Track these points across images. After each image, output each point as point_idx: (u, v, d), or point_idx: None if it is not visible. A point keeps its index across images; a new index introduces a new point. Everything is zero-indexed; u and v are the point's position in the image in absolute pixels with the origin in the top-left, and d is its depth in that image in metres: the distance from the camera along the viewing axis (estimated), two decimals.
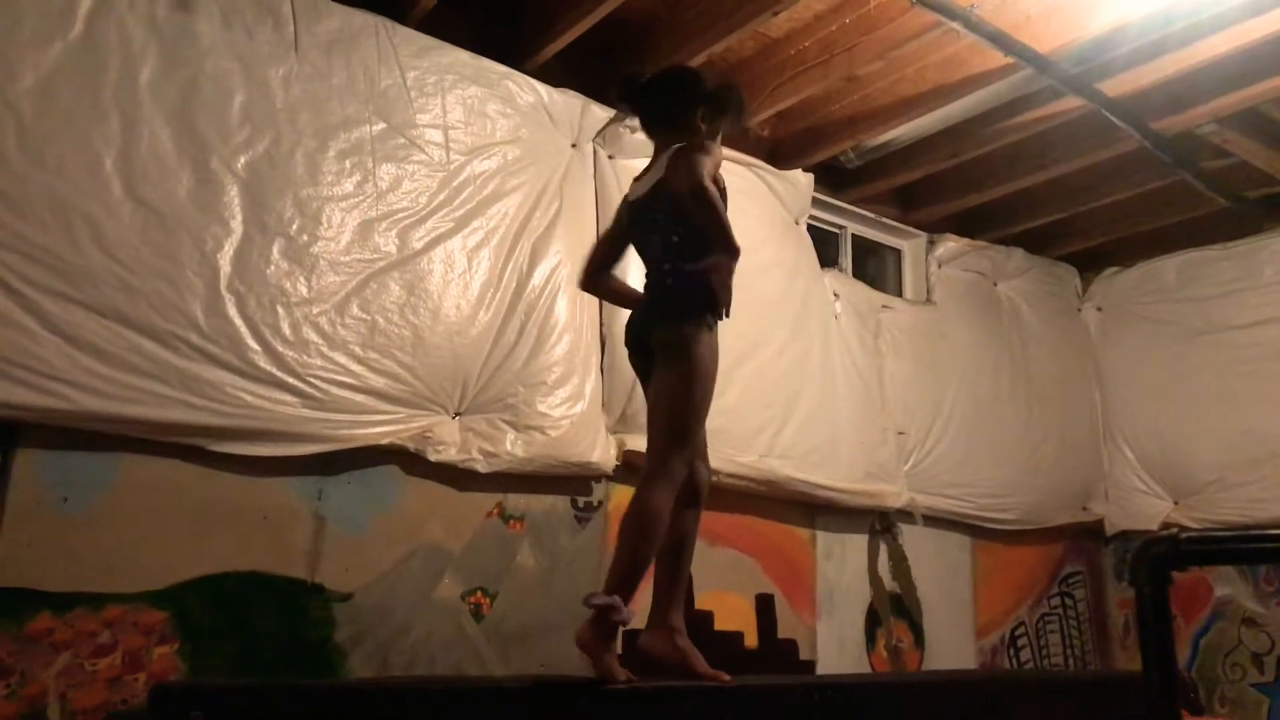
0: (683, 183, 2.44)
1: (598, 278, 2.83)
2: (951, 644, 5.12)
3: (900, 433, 5.02)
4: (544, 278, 3.86)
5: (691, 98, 2.62)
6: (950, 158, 4.88)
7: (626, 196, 2.76)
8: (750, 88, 4.40)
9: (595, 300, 4.05)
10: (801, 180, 4.85)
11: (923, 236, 5.62)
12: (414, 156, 3.65)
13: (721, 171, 4.48)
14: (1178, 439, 5.61)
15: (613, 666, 2.21)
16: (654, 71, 2.76)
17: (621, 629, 2.33)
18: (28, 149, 2.90)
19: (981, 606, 5.33)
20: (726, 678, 2.36)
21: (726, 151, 4.56)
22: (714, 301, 2.46)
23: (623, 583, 2.30)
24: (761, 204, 4.69)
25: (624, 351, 3.93)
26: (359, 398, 3.35)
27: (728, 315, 2.54)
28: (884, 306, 5.22)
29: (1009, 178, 5.11)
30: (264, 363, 3.18)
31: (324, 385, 3.29)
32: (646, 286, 2.66)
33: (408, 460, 3.48)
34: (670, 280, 2.53)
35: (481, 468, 3.56)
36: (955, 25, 3.67)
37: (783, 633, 4.45)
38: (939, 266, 5.55)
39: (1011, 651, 5.42)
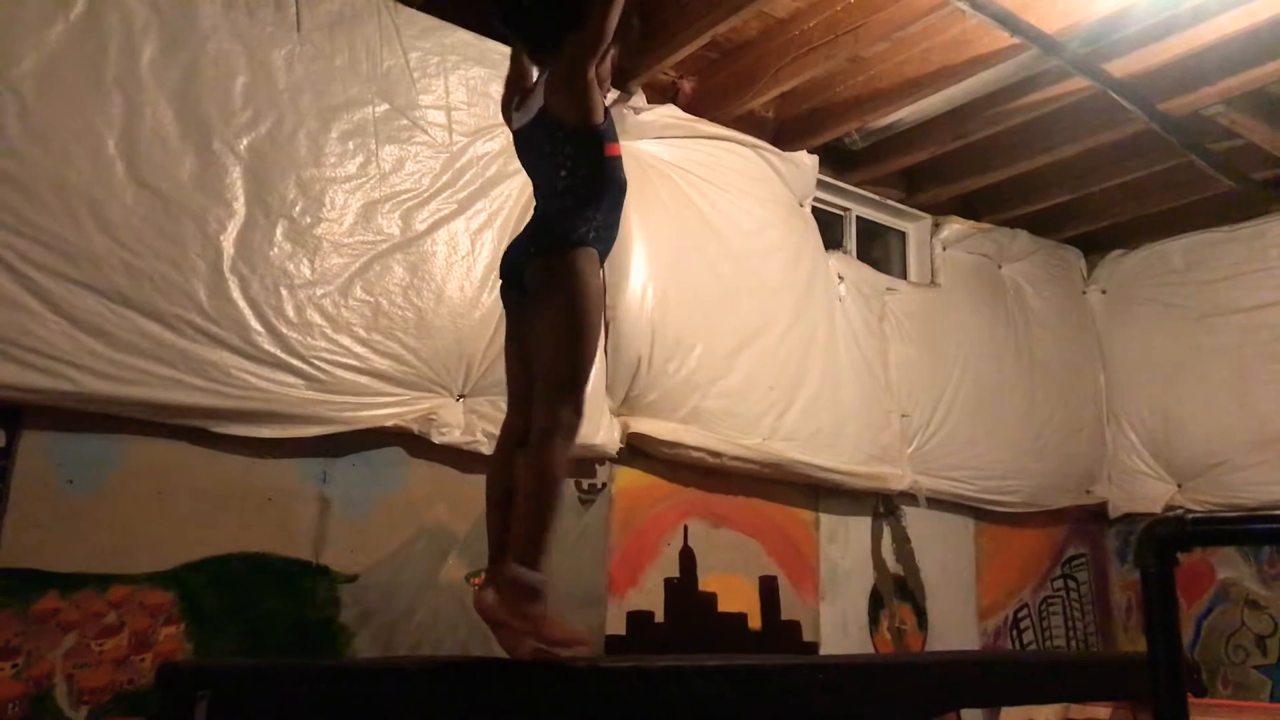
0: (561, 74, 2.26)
1: None
2: (954, 626, 5.13)
3: (904, 415, 5.02)
4: None
5: (579, 16, 2.31)
6: (955, 139, 4.85)
7: (513, 108, 2.51)
8: (755, 68, 4.38)
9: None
10: (806, 162, 4.83)
11: (927, 219, 5.60)
12: (417, 138, 3.64)
13: (726, 153, 4.52)
14: (1182, 422, 5.61)
15: (556, 631, 2.10)
16: None
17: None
18: (30, 131, 2.90)
19: (984, 589, 5.34)
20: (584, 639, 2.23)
21: (730, 133, 4.57)
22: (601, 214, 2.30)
23: (530, 549, 2.17)
24: (766, 186, 4.68)
25: (629, 333, 4.02)
26: (363, 380, 3.36)
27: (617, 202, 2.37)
28: (888, 289, 5.21)
29: (1014, 159, 5.08)
30: (268, 344, 3.19)
31: (328, 367, 3.29)
32: (533, 218, 2.47)
33: (412, 442, 3.49)
34: (554, 209, 2.35)
35: (486, 449, 3.55)
36: (961, 5, 3.64)
37: (786, 615, 4.48)
38: (944, 249, 5.53)
39: (1014, 633, 5.44)
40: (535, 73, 2.51)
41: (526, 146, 2.47)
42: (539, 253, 2.31)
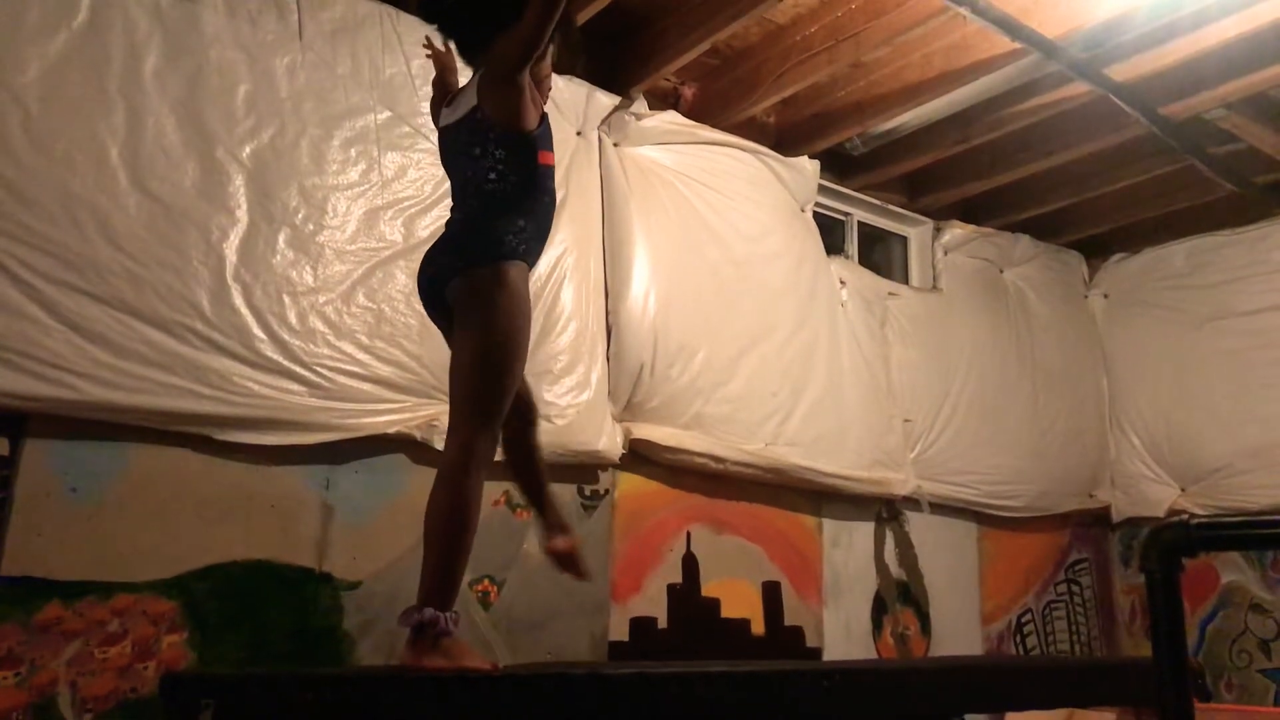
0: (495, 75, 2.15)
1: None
2: (958, 631, 5.12)
3: (907, 420, 5.02)
4: (549, 266, 3.85)
5: (512, 15, 2.19)
6: (957, 144, 4.86)
7: (443, 105, 2.41)
8: (756, 74, 4.39)
9: (601, 289, 4.06)
10: (808, 167, 4.84)
11: (929, 223, 5.60)
12: (419, 145, 3.64)
13: (727, 159, 4.53)
14: (1185, 426, 5.60)
15: (468, 660, 2.00)
16: None
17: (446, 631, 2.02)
18: (34, 140, 2.90)
19: (988, 593, 5.33)
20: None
21: (732, 139, 4.58)
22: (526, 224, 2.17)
23: (439, 590, 2.03)
24: (768, 191, 4.68)
25: (631, 339, 4.03)
26: (366, 386, 3.36)
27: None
28: (890, 294, 5.21)
29: (1016, 164, 5.09)
30: (271, 352, 3.19)
31: (331, 374, 3.29)
32: (449, 222, 2.32)
33: (415, 449, 3.48)
34: (478, 212, 2.20)
35: None
36: (962, 10, 3.64)
37: (789, 620, 4.47)
38: (945, 253, 5.53)
39: (1018, 638, 5.43)
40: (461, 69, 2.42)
41: (454, 146, 2.31)
42: (465, 265, 2.15)
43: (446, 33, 2.38)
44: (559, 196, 3.87)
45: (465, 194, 2.28)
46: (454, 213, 2.32)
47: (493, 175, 2.20)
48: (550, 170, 2.29)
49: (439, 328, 2.40)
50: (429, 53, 2.63)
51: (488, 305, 2.11)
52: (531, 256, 2.24)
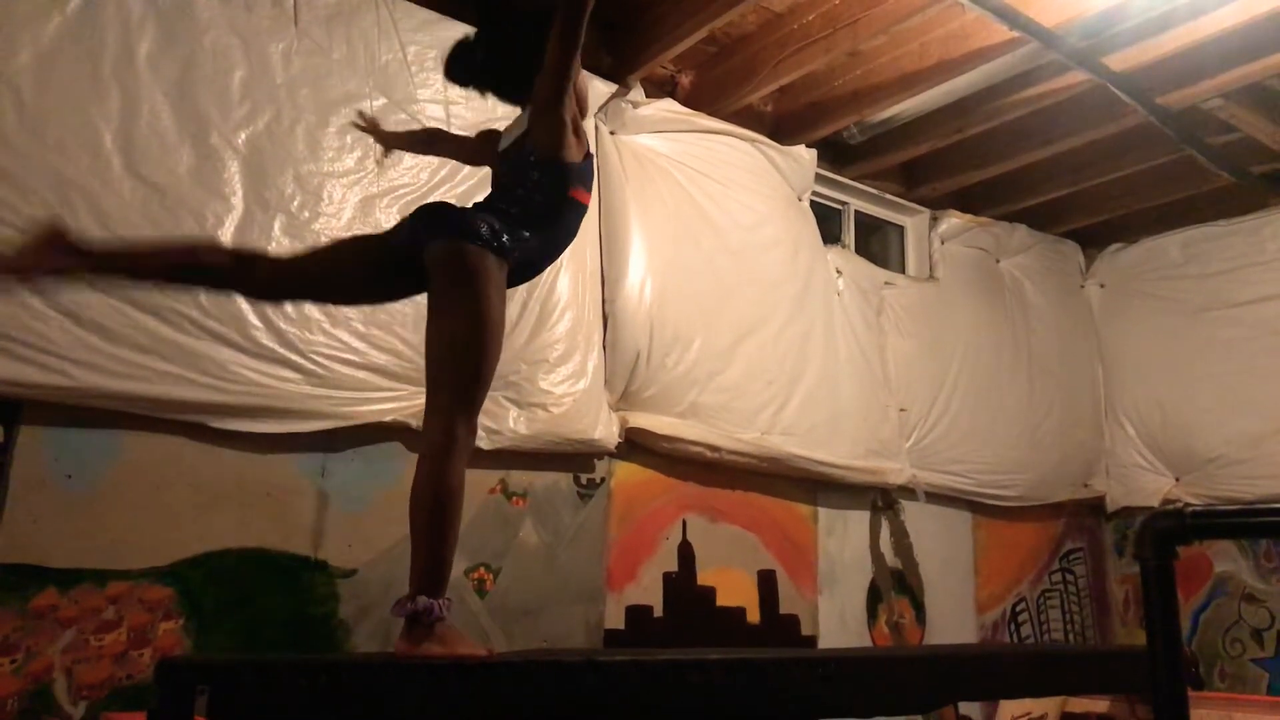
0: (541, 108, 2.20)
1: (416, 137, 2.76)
2: (953, 620, 5.14)
3: (902, 409, 5.03)
4: None
5: (535, 49, 2.21)
6: (954, 133, 4.85)
7: (501, 135, 2.46)
8: (753, 62, 4.38)
9: (597, 278, 4.05)
10: (804, 156, 4.83)
11: (926, 213, 5.60)
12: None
13: (724, 147, 4.52)
14: (1180, 415, 5.61)
15: (463, 647, 1.99)
16: (481, 36, 2.41)
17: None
18: (27, 126, 2.89)
19: (982, 582, 5.35)
20: None
21: (729, 127, 4.57)
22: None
23: (430, 578, 2.00)
24: (764, 180, 4.68)
25: (627, 328, 4.02)
26: (361, 375, 3.35)
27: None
28: (887, 283, 5.21)
29: (1013, 153, 5.08)
30: (266, 339, 3.18)
31: (326, 362, 3.28)
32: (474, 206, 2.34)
33: (410, 437, 3.48)
34: (499, 210, 2.20)
35: (484, 445, 3.56)
36: None
37: (784, 608, 4.48)
38: (942, 243, 5.53)
39: (1012, 627, 5.45)
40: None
41: (504, 169, 2.36)
42: (457, 235, 2.10)
43: (482, 90, 2.45)
44: None
45: (496, 198, 2.32)
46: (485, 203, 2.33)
47: (520, 191, 2.25)
48: (581, 209, 2.31)
49: (385, 278, 2.31)
50: (362, 125, 2.81)
51: (471, 290, 2.07)
52: (516, 267, 2.21)
